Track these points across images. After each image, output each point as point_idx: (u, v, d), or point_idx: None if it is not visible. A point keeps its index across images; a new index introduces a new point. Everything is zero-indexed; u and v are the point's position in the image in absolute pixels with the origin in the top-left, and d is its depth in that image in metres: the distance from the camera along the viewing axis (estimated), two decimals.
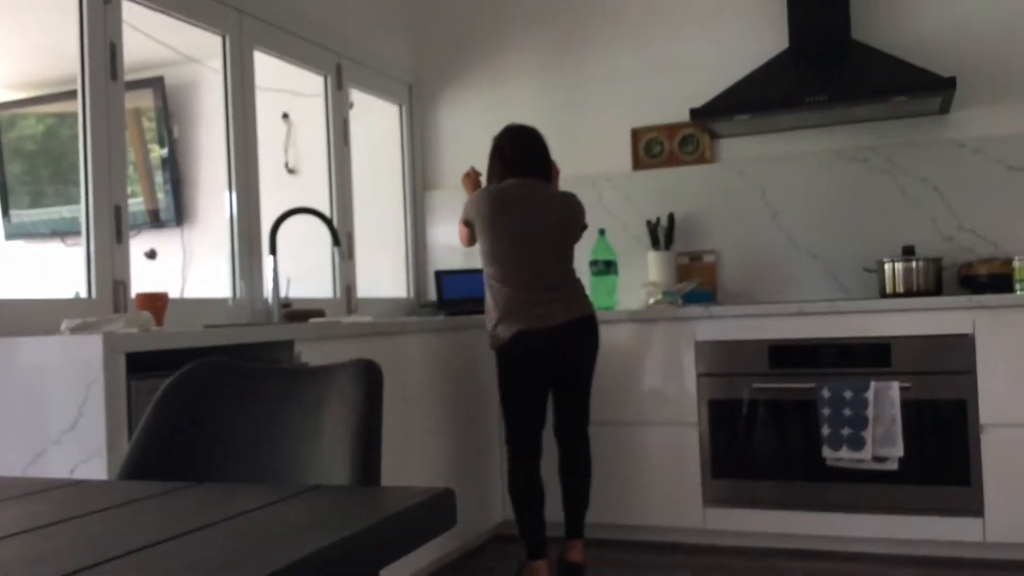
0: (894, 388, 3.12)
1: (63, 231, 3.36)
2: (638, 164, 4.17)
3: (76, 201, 2.74)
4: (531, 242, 2.99)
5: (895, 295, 3.53)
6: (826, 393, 3.18)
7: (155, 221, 3.70)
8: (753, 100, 3.58)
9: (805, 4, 3.73)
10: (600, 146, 4.19)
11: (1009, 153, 3.62)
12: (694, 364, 3.42)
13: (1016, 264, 3.31)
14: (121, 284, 2.71)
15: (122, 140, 2.80)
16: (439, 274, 4.19)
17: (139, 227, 3.60)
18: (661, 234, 4.00)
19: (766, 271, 3.95)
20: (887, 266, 3.57)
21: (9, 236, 3.54)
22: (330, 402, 1.36)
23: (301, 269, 3.72)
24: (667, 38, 4.14)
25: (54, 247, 3.42)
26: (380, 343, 2.87)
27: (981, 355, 3.09)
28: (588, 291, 3.25)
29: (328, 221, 3.33)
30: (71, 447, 1.95)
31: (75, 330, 2.10)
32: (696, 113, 3.64)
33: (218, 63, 3.34)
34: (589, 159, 4.20)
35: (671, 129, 4.11)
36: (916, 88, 3.37)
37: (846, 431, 3.15)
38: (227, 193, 3.32)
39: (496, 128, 4.38)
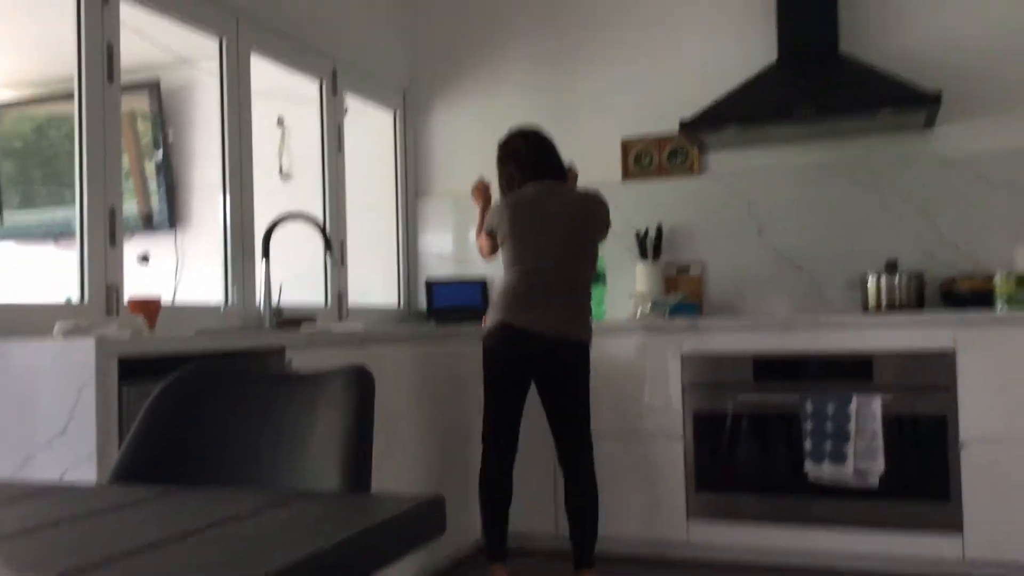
0: (876, 402, 3.16)
1: (56, 233, 3.37)
2: (628, 175, 4.20)
3: (69, 203, 2.75)
4: (550, 246, 2.97)
5: (878, 309, 3.57)
6: (809, 407, 3.22)
7: (148, 224, 3.71)
8: (741, 112, 3.62)
9: (794, 17, 3.78)
10: (590, 156, 4.22)
11: (992, 169, 3.67)
12: (679, 376, 3.45)
13: (997, 280, 3.35)
14: (114, 288, 2.73)
15: (117, 142, 2.81)
16: (430, 283, 4.20)
17: (132, 230, 3.61)
18: (649, 245, 4.03)
19: (751, 283, 3.99)
20: (870, 280, 3.61)
21: (1, 237, 3.55)
22: (322, 408, 1.38)
23: (293, 275, 3.74)
24: (658, 50, 4.18)
25: (46, 249, 3.43)
26: (370, 351, 2.89)
27: (962, 371, 3.13)
28: None
29: (321, 227, 3.35)
30: (61, 451, 1.95)
31: (67, 334, 2.11)
32: (685, 124, 3.68)
33: (214, 66, 3.35)
34: (579, 169, 4.23)
35: (661, 141, 4.15)
36: (902, 101, 3.42)
37: (828, 445, 3.18)
38: (221, 197, 3.33)
39: (487, 135, 4.43)
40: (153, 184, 3.73)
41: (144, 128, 3.76)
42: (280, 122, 4.05)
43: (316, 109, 3.94)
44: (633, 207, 4.16)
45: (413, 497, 1.01)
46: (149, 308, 2.56)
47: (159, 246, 3.65)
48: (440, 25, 4.58)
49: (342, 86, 4.04)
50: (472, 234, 4.45)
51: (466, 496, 3.49)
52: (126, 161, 3.66)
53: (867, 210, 3.84)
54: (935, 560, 3.19)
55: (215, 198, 3.36)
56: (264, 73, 3.60)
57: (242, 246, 3.35)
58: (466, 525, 3.48)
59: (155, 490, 1.12)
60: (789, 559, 3.37)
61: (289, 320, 3.24)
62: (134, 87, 3.63)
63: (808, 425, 3.21)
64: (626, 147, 4.21)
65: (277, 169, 4.02)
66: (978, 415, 3.10)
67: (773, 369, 3.34)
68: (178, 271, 3.60)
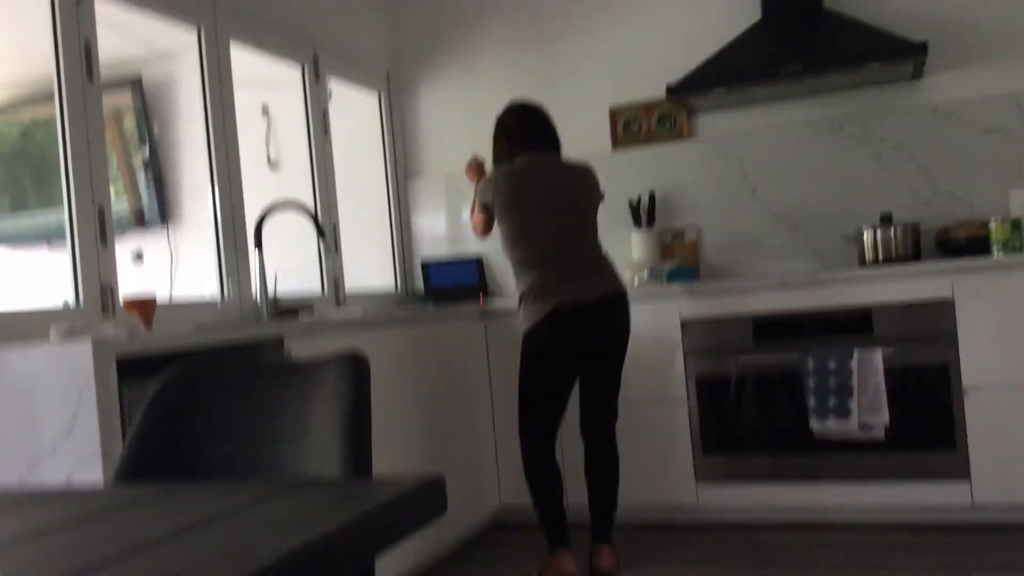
0: (877, 356, 3.16)
1: (48, 236, 3.36)
2: (617, 143, 4.19)
3: (59, 205, 2.74)
4: (555, 218, 2.92)
5: (875, 263, 3.57)
6: (811, 364, 3.22)
7: (140, 222, 3.70)
8: (728, 73, 3.60)
9: None
10: (579, 127, 4.20)
11: (983, 116, 3.66)
12: (681, 342, 3.45)
13: (992, 226, 3.34)
14: (108, 288, 2.72)
15: (102, 141, 2.80)
16: (425, 265, 4.20)
17: (124, 228, 3.60)
18: (643, 213, 4.02)
19: (747, 245, 3.99)
20: (866, 234, 3.61)
21: None
22: (319, 396, 1.38)
23: (289, 264, 3.73)
24: (640, 15, 4.15)
25: (39, 252, 3.42)
26: (369, 335, 2.90)
27: (961, 319, 3.13)
28: None
29: (312, 214, 3.34)
30: (67, 454, 1.96)
31: (64, 337, 2.11)
32: (672, 89, 3.66)
33: (194, 58, 3.33)
34: (568, 140, 4.18)
35: (648, 107, 4.13)
36: (888, 54, 3.40)
37: (832, 401, 3.19)
38: (210, 190, 3.33)
39: (474, 113, 4.41)
40: (142, 180, 3.72)
41: (130, 124, 3.74)
42: (265, 111, 4.03)
43: (300, 96, 3.92)
44: (624, 175, 4.15)
45: (413, 479, 1.02)
46: (145, 306, 2.56)
47: (152, 243, 3.64)
48: (421, 4, 4.54)
49: (324, 71, 4.02)
50: (466, 213, 4.45)
51: (473, 476, 3.51)
52: (114, 159, 3.65)
53: (859, 164, 3.83)
54: (944, 507, 3.21)
55: (205, 191, 3.35)
56: (246, 62, 3.57)
57: (234, 238, 3.35)
58: (471, 503, 3.50)
59: (158, 488, 1.13)
60: (799, 516, 3.39)
61: (286, 310, 3.24)
62: (116, 84, 3.60)
63: (811, 382, 3.22)
64: (614, 115, 4.19)
65: (265, 158, 4.01)
66: (980, 362, 3.11)
67: (773, 329, 3.34)
68: (173, 267, 3.59)
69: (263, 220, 3.31)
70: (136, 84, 3.69)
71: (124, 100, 3.69)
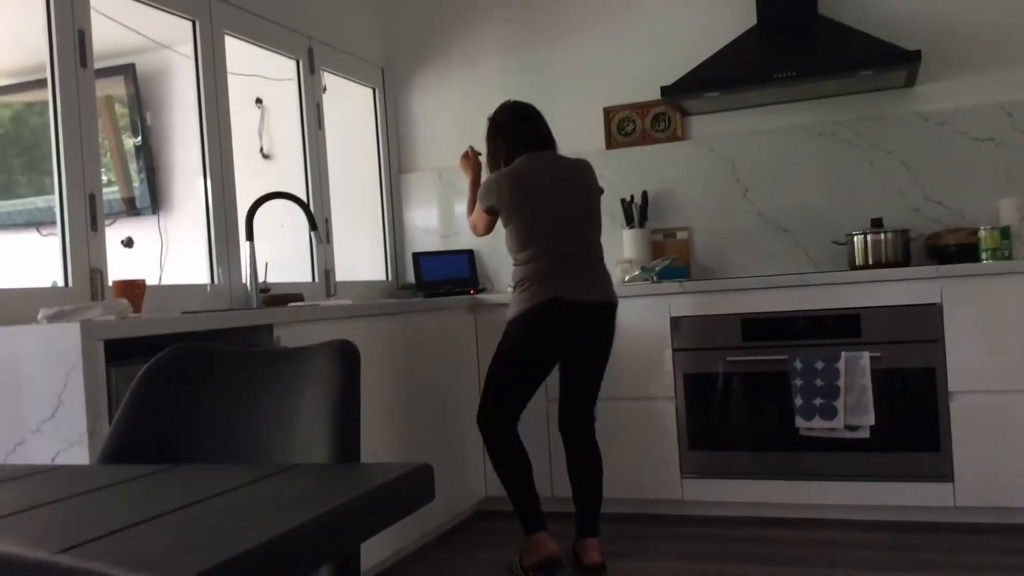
0: (864, 358, 3.18)
1: (38, 221, 3.35)
2: (611, 143, 4.20)
3: (50, 191, 2.74)
4: (562, 215, 2.91)
5: (864, 267, 3.59)
6: (798, 364, 3.24)
7: (131, 209, 3.69)
8: (722, 77, 3.61)
9: None
10: (573, 126, 4.22)
11: (973, 125, 3.68)
12: (670, 339, 3.47)
13: (982, 234, 3.37)
14: (98, 272, 2.72)
15: (94, 128, 2.80)
16: (417, 256, 4.21)
17: (115, 215, 3.59)
18: (635, 212, 4.04)
19: (738, 246, 4.01)
20: (856, 238, 3.63)
21: None
22: (308, 383, 1.38)
23: (280, 254, 3.73)
24: (637, 16, 4.16)
25: (29, 237, 3.41)
26: (359, 325, 2.90)
27: (949, 324, 3.15)
28: None
29: (304, 205, 3.34)
30: (51, 436, 1.96)
31: (52, 319, 2.11)
32: (666, 91, 3.67)
33: (189, 49, 3.33)
34: (562, 139, 4.19)
35: (643, 107, 4.14)
36: (882, 62, 3.42)
37: (818, 401, 3.21)
38: (202, 179, 3.32)
39: (468, 110, 4.42)
40: (134, 168, 3.71)
41: (122, 113, 3.73)
42: (259, 102, 4.02)
43: (294, 88, 3.92)
44: (618, 175, 4.16)
45: (400, 466, 1.02)
46: (134, 290, 2.56)
47: (142, 230, 3.64)
48: (416, 1, 4.54)
49: (319, 65, 4.02)
50: (459, 208, 4.45)
51: (459, 464, 3.52)
52: (106, 146, 3.63)
53: (851, 170, 3.85)
54: (927, 508, 3.24)
55: (197, 180, 3.35)
56: (240, 53, 3.57)
57: (225, 227, 3.35)
58: (456, 494, 3.51)
59: (146, 468, 1.13)
60: (783, 512, 3.41)
61: (276, 298, 3.24)
62: (110, 72, 3.59)
63: (798, 382, 3.24)
64: (608, 115, 4.20)
65: (258, 149, 4.00)
66: (966, 367, 3.13)
67: (762, 329, 3.36)
68: (163, 254, 3.58)
69: (255, 209, 3.31)
70: (129, 72, 3.68)
71: (117, 88, 3.68)
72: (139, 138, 3.70)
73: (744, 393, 3.39)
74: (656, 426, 3.49)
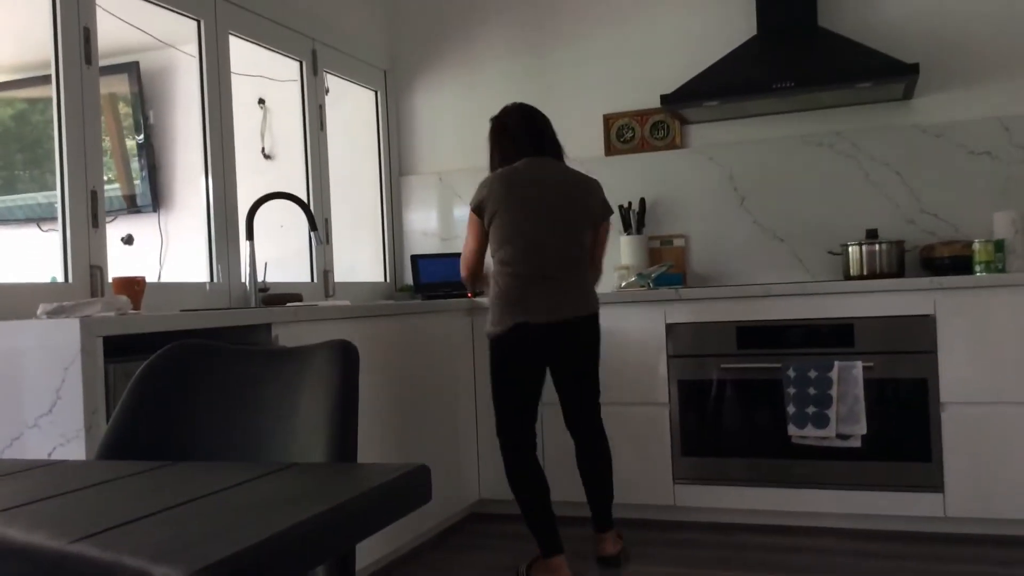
0: (857, 367, 3.20)
1: (39, 216, 3.36)
2: (610, 150, 4.22)
3: (51, 187, 2.75)
4: (544, 223, 2.84)
5: (859, 277, 3.62)
6: (792, 373, 3.26)
7: (132, 206, 3.71)
8: (722, 86, 3.63)
9: None
10: (572, 131, 4.24)
11: (970, 138, 3.70)
12: (665, 345, 3.48)
13: (976, 247, 3.39)
14: (98, 269, 2.73)
15: (97, 125, 2.81)
16: (415, 258, 4.22)
17: (116, 212, 3.60)
18: (633, 218, 4.06)
19: (734, 254, 4.03)
20: (851, 249, 3.65)
21: None
22: (307, 382, 1.39)
23: (279, 254, 3.75)
24: (639, 25, 4.18)
25: (30, 232, 3.42)
26: (357, 326, 2.91)
27: (942, 335, 3.17)
28: None
29: (305, 206, 3.35)
30: (49, 431, 1.97)
31: (52, 314, 2.12)
32: (666, 99, 3.69)
33: (193, 48, 3.34)
34: (562, 144, 4.25)
35: (642, 115, 4.16)
36: (880, 74, 3.44)
37: (811, 409, 3.23)
38: (203, 178, 3.33)
39: (469, 114, 4.44)
40: (135, 166, 3.72)
41: (125, 110, 3.74)
42: (261, 103, 4.04)
43: (297, 89, 3.93)
44: (616, 181, 4.18)
45: (398, 467, 1.03)
46: (134, 287, 2.57)
47: (143, 228, 3.65)
48: (419, 5, 4.56)
49: (322, 66, 4.03)
50: (457, 211, 4.47)
51: (455, 466, 3.53)
52: (108, 144, 3.65)
53: (847, 181, 3.87)
54: (917, 518, 3.26)
55: (198, 179, 3.36)
56: (244, 53, 3.58)
57: (226, 226, 3.36)
58: (452, 495, 3.52)
59: (144, 465, 1.14)
60: (774, 519, 3.43)
61: (275, 297, 3.25)
62: (114, 69, 3.61)
63: (791, 390, 3.26)
64: (608, 121, 4.22)
65: (259, 150, 4.02)
66: (958, 377, 3.15)
67: (756, 337, 3.38)
68: (163, 252, 3.60)
69: (256, 209, 3.32)
70: (133, 70, 3.70)
71: (121, 86, 3.70)
72: (141, 136, 3.71)
73: (738, 400, 3.41)
74: (650, 432, 3.50)
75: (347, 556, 1.23)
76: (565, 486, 3.55)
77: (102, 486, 1.01)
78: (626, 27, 4.20)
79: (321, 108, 4.01)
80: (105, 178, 2.83)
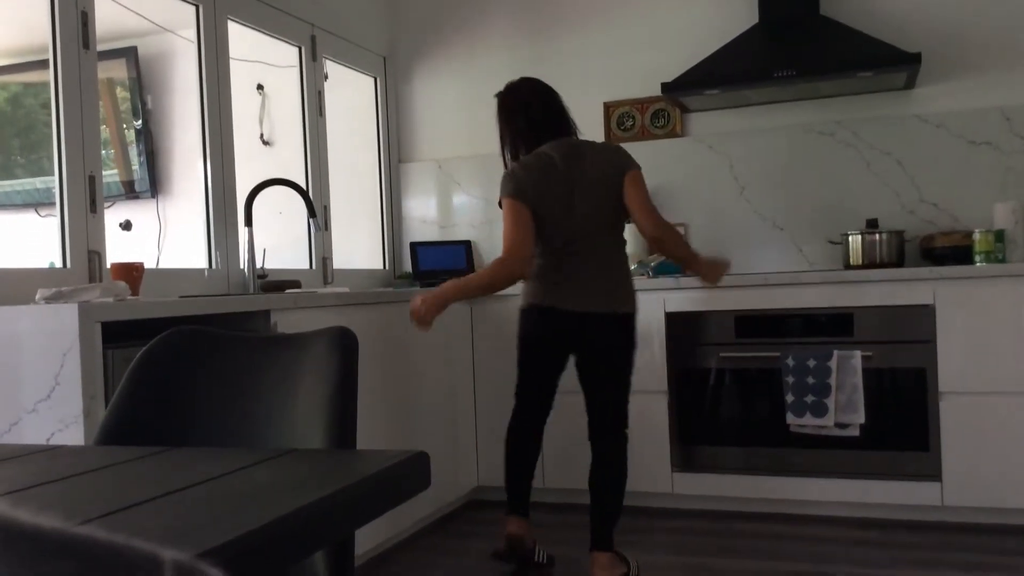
0: (856, 357, 3.20)
1: (37, 202, 3.35)
2: (610, 138, 4.20)
3: (49, 172, 2.74)
4: (584, 216, 2.67)
5: (858, 267, 3.61)
6: (790, 362, 3.26)
7: (130, 192, 3.69)
8: (723, 75, 3.62)
9: None
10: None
11: (971, 129, 3.70)
12: (664, 334, 3.48)
13: (976, 237, 3.39)
14: (96, 254, 2.73)
15: (95, 109, 2.80)
16: (414, 246, 4.21)
17: (114, 198, 3.59)
18: None
19: (733, 243, 4.02)
20: (851, 238, 3.65)
21: None
22: (306, 369, 1.39)
23: (278, 241, 3.74)
24: (639, 13, 4.16)
25: (28, 217, 3.41)
26: (356, 313, 2.91)
27: (941, 325, 3.17)
28: None
29: (304, 192, 3.34)
30: (47, 416, 1.96)
31: (50, 299, 2.11)
32: (667, 87, 3.68)
33: (192, 33, 3.33)
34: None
35: (643, 103, 4.15)
36: (882, 63, 3.43)
37: (810, 398, 3.24)
38: (202, 164, 3.32)
39: (469, 101, 4.42)
40: (134, 151, 3.71)
41: (123, 95, 3.72)
42: (260, 88, 4.02)
43: (296, 75, 3.92)
44: None
45: (397, 453, 1.03)
46: (132, 273, 2.56)
47: (141, 213, 3.64)
48: None
49: (321, 52, 4.01)
50: (457, 199, 4.45)
51: (453, 452, 3.54)
52: (106, 129, 3.63)
53: (848, 170, 3.86)
54: (915, 507, 3.26)
55: (196, 165, 3.35)
56: (243, 39, 3.57)
57: (224, 212, 3.35)
58: (451, 482, 3.53)
59: (143, 450, 1.14)
60: (772, 508, 3.44)
61: (273, 284, 3.25)
62: (112, 54, 3.59)
63: (789, 379, 3.26)
64: (608, 109, 4.20)
65: (258, 136, 4.00)
66: (957, 368, 3.16)
67: (755, 326, 3.38)
68: (161, 238, 3.59)
69: (254, 195, 3.31)
70: (131, 55, 3.68)
71: (119, 71, 3.68)
72: (139, 121, 3.70)
73: (736, 389, 3.41)
74: (648, 420, 3.50)
75: (346, 542, 1.24)
76: (563, 473, 3.55)
77: (103, 471, 1.01)
78: (627, 14, 4.18)
79: (320, 94, 4.00)
80: (102, 163, 2.82)
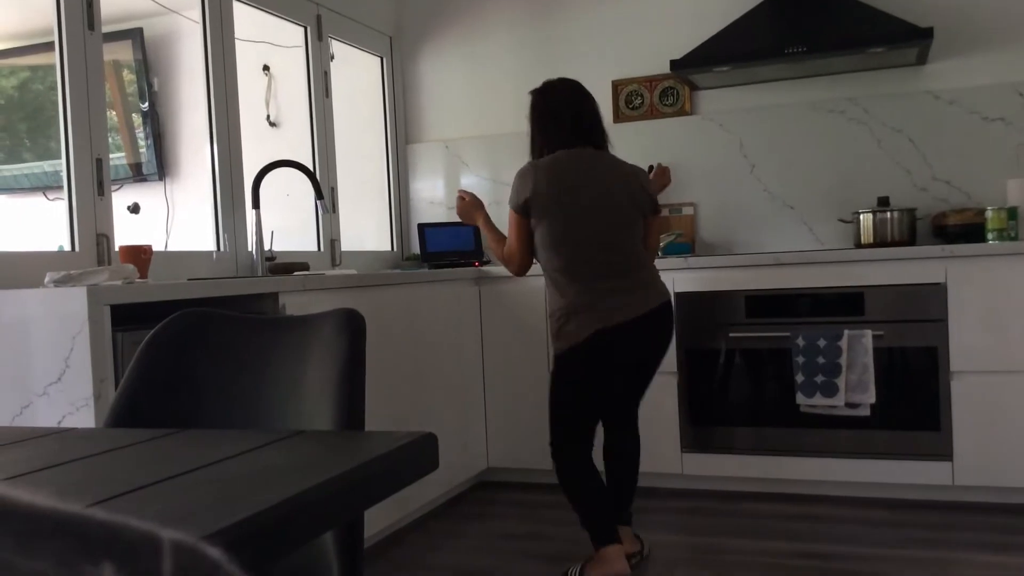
0: (867, 336, 3.18)
1: (45, 185, 3.35)
2: (619, 117, 4.18)
3: (57, 156, 2.74)
4: (601, 222, 2.58)
5: (869, 245, 3.59)
6: (800, 342, 3.25)
7: (137, 175, 3.69)
8: (732, 51, 3.58)
9: None
10: None
11: (984, 105, 3.66)
12: (674, 314, 3.46)
13: (988, 214, 3.36)
14: (104, 237, 2.73)
15: (101, 92, 2.79)
16: (422, 227, 4.20)
17: (121, 181, 3.59)
18: None
19: (743, 222, 4.00)
20: (862, 217, 3.62)
21: None
22: (314, 350, 1.39)
23: (285, 223, 3.73)
24: None
25: (36, 201, 3.42)
26: (364, 295, 2.91)
27: (953, 304, 3.15)
28: None
29: (311, 174, 3.33)
30: (58, 399, 1.98)
31: (59, 283, 2.11)
32: (676, 64, 3.65)
33: (197, 14, 3.31)
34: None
35: (651, 81, 4.12)
36: (894, 38, 3.39)
37: (820, 379, 3.22)
38: (209, 146, 3.32)
39: (476, 81, 4.39)
40: (140, 134, 3.70)
41: (129, 78, 3.71)
42: (266, 69, 4.00)
43: (302, 55, 3.90)
44: (625, 148, 4.14)
45: (405, 435, 1.03)
46: (140, 256, 2.57)
47: (149, 196, 3.64)
48: None
49: (327, 32, 3.99)
50: (465, 180, 4.44)
51: (462, 434, 3.54)
52: (113, 112, 3.62)
53: (859, 148, 3.83)
54: (925, 486, 3.26)
55: (203, 147, 3.34)
56: (248, 19, 3.55)
57: (232, 194, 3.35)
58: (460, 463, 3.54)
59: (152, 432, 1.14)
60: (782, 488, 3.44)
61: (281, 266, 3.25)
62: (117, 36, 3.58)
63: (800, 359, 3.25)
64: (617, 88, 4.17)
65: (265, 117, 3.99)
66: (968, 347, 3.14)
67: (765, 305, 3.36)
68: (169, 220, 3.59)
69: (262, 177, 3.30)
70: (137, 37, 3.66)
71: (125, 53, 3.67)
72: (146, 104, 3.69)
73: (746, 369, 3.40)
74: (658, 400, 3.50)
75: (355, 523, 1.24)
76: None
77: (111, 453, 1.01)
78: None
79: (326, 75, 3.98)
80: (109, 145, 2.81)
